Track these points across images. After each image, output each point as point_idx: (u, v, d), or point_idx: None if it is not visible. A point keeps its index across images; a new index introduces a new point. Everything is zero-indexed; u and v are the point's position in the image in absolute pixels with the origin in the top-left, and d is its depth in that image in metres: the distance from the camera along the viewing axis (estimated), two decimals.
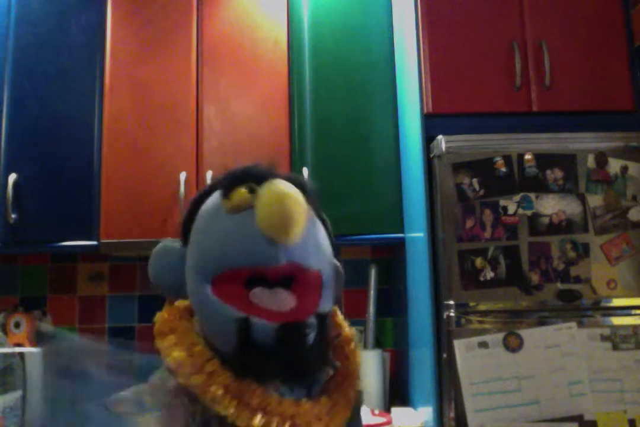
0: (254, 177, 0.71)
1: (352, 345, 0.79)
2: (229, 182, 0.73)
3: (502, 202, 1.58)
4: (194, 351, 0.67)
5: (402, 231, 1.92)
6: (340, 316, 0.81)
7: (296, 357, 0.67)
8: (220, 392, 0.63)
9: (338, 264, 0.84)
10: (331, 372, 0.74)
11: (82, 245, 1.89)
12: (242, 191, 0.70)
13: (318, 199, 0.77)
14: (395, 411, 1.80)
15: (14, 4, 2.00)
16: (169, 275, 0.74)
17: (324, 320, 0.71)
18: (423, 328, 1.67)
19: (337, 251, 0.86)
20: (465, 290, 1.55)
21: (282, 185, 0.68)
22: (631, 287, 1.56)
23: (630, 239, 1.57)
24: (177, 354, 0.66)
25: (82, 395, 0.73)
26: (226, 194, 0.72)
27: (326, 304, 0.73)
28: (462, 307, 1.54)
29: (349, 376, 0.75)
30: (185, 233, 0.75)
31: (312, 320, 0.69)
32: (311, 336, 0.68)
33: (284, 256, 0.67)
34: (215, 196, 0.74)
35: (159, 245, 0.76)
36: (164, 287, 0.75)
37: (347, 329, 0.80)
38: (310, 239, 0.73)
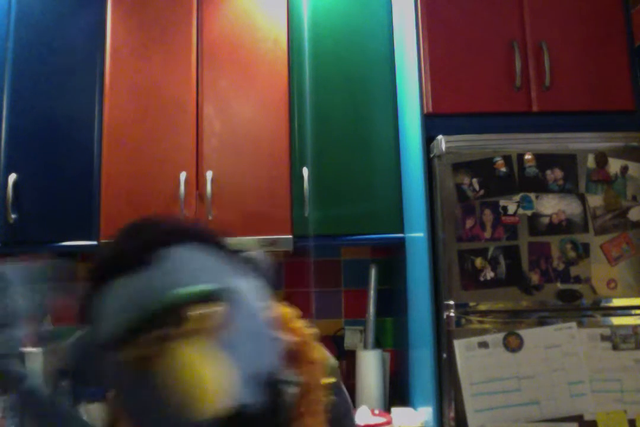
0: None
1: (311, 346, 0.74)
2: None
3: (502, 202, 1.58)
4: None
5: (402, 231, 1.92)
6: (294, 318, 0.75)
7: None
8: None
9: (262, 258, 0.73)
10: (294, 389, 0.69)
11: (82, 245, 1.89)
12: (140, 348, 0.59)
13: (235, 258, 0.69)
14: (395, 411, 1.80)
15: (14, 4, 2.00)
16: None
17: (272, 377, 0.66)
18: (423, 328, 1.67)
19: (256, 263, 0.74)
20: (465, 290, 1.55)
21: (184, 357, 0.57)
22: (631, 287, 1.56)
23: (630, 239, 1.57)
24: None
25: None
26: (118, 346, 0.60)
27: (272, 361, 0.67)
28: (462, 307, 1.54)
29: (314, 387, 0.71)
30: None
31: (247, 396, 0.62)
32: (254, 410, 0.63)
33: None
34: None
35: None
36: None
37: (304, 331, 0.75)
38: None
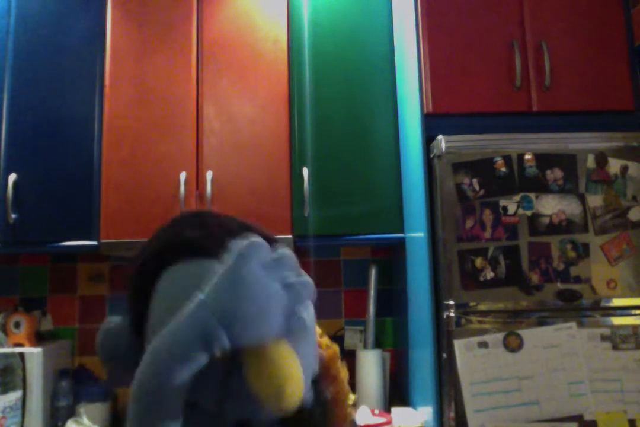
0: None
1: (338, 364, 0.74)
2: None
3: (502, 202, 1.58)
4: None
5: (402, 231, 1.92)
6: (321, 335, 0.76)
7: None
8: None
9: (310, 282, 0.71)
10: (324, 404, 0.69)
11: (82, 245, 1.89)
12: None
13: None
14: (395, 411, 1.80)
15: (14, 4, 2.00)
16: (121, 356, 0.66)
17: (317, 383, 0.66)
18: (423, 328, 1.67)
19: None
20: (465, 290, 1.55)
21: (275, 355, 0.57)
22: (631, 287, 1.56)
23: (630, 239, 1.57)
24: None
25: None
26: None
27: (315, 368, 0.66)
28: (462, 307, 1.54)
29: (339, 403, 0.72)
30: (138, 323, 0.63)
31: (307, 395, 0.63)
32: (309, 408, 0.64)
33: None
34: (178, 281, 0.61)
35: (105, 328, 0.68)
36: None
37: (331, 348, 0.76)
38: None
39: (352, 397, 0.77)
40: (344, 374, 0.75)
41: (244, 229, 0.66)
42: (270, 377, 0.56)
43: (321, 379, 0.71)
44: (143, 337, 0.61)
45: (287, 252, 0.60)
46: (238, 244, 0.58)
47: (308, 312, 0.64)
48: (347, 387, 0.74)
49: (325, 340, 0.76)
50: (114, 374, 0.70)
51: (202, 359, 0.53)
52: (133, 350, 0.62)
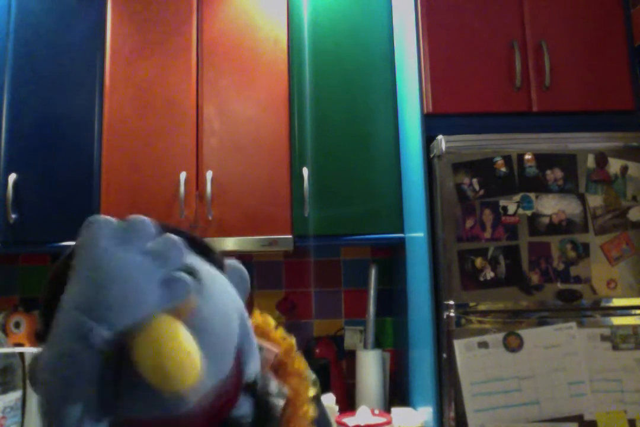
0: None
1: (293, 357, 0.71)
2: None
3: (502, 202, 1.58)
4: None
5: (402, 231, 1.92)
6: (273, 328, 0.72)
7: None
8: None
9: (242, 269, 0.68)
10: (282, 402, 0.66)
11: None
12: None
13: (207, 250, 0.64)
14: (395, 411, 1.80)
15: (14, 4, 2.00)
16: None
17: (255, 386, 0.63)
18: (423, 328, 1.67)
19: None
20: (465, 290, 1.55)
21: (157, 332, 0.52)
22: (631, 287, 1.56)
23: (630, 239, 1.57)
24: None
25: None
26: None
27: (251, 367, 0.62)
28: (462, 307, 1.54)
29: (300, 399, 0.68)
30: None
31: (242, 406, 0.60)
32: (249, 415, 0.61)
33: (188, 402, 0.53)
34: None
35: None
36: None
37: (284, 341, 0.72)
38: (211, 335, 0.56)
39: (313, 391, 0.73)
40: (302, 367, 0.71)
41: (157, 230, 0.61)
42: (153, 355, 0.51)
43: (276, 376, 0.68)
44: None
45: (136, 217, 0.54)
46: (81, 231, 0.53)
47: (214, 280, 0.58)
48: (307, 381, 0.71)
49: (280, 332, 0.72)
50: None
51: (83, 356, 0.50)
52: None
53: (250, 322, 0.65)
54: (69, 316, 0.51)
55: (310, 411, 0.69)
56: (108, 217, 0.53)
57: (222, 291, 0.60)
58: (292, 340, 0.73)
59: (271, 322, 0.72)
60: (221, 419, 0.58)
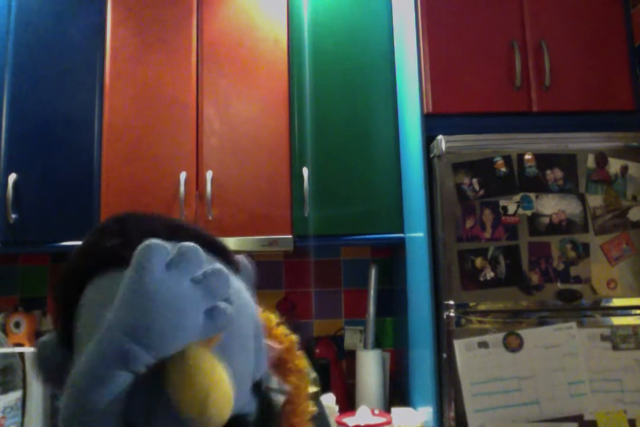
0: None
1: (295, 354, 0.71)
2: None
3: (502, 202, 1.58)
4: None
5: (402, 231, 1.92)
6: (275, 325, 0.73)
7: None
8: None
9: (246, 262, 0.70)
10: (282, 400, 0.67)
11: None
12: None
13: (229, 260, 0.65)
14: (395, 411, 1.80)
15: (14, 4, 2.00)
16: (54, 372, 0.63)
17: (261, 384, 0.64)
18: (423, 328, 1.67)
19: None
20: (465, 290, 1.55)
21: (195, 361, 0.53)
22: (631, 287, 1.56)
23: (630, 239, 1.57)
24: None
25: None
26: None
27: (260, 367, 0.63)
28: (462, 307, 1.54)
29: (300, 397, 0.69)
30: (65, 327, 0.61)
31: (251, 405, 0.61)
32: (253, 413, 0.61)
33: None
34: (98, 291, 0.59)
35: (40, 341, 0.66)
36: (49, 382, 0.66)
37: (286, 338, 0.72)
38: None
39: (314, 388, 0.73)
40: (303, 364, 0.72)
41: (169, 230, 0.63)
42: (191, 386, 0.52)
43: (277, 373, 0.69)
44: (73, 352, 0.59)
45: (188, 245, 0.55)
46: (135, 252, 0.53)
47: (239, 299, 0.60)
48: (307, 378, 0.72)
49: (282, 330, 0.72)
50: (51, 387, 0.67)
51: (121, 380, 0.51)
52: (67, 364, 0.59)
53: (261, 324, 0.65)
54: (114, 340, 0.50)
55: (310, 407, 0.69)
56: (162, 243, 0.53)
57: (245, 312, 0.61)
58: (294, 337, 0.73)
59: (273, 319, 0.72)
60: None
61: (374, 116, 1.99)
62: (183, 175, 1.89)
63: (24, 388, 1.76)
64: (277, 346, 0.70)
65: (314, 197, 1.91)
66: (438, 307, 1.58)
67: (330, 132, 1.97)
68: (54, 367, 0.63)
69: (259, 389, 0.63)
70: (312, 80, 1.99)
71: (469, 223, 1.57)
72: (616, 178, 1.59)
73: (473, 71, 1.75)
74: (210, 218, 1.87)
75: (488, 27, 1.78)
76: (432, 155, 1.67)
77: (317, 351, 2.06)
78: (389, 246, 2.20)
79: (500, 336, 1.51)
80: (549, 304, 1.54)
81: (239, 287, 0.63)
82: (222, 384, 0.53)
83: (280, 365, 0.70)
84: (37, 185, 1.91)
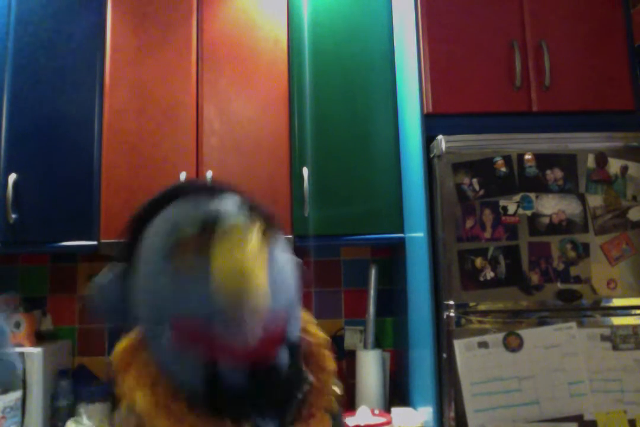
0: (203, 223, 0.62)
1: (325, 353, 0.73)
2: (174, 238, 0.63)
3: (502, 202, 1.58)
4: (157, 390, 0.62)
5: (402, 231, 1.92)
6: (310, 322, 0.75)
7: (271, 396, 0.63)
8: None
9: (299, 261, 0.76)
10: (306, 387, 0.69)
11: (81, 245, 1.89)
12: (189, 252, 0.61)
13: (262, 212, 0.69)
14: (395, 411, 1.80)
15: (14, 4, 2.00)
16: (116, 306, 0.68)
17: (295, 348, 0.66)
18: (423, 328, 1.67)
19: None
20: (465, 290, 1.55)
21: (234, 244, 0.58)
22: (631, 287, 1.56)
23: (630, 239, 1.57)
24: (140, 395, 0.61)
25: None
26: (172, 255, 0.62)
27: (294, 329, 0.67)
28: (462, 307, 1.54)
29: (323, 392, 0.71)
30: (130, 255, 0.67)
31: (283, 355, 0.64)
32: (284, 371, 0.64)
33: (252, 336, 0.58)
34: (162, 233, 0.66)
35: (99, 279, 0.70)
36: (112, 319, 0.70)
37: (319, 335, 0.75)
38: (275, 284, 0.63)
39: (337, 390, 0.74)
40: (331, 365, 0.73)
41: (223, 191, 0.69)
42: (231, 256, 0.57)
43: (307, 367, 0.70)
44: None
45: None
46: None
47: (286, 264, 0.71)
48: (333, 378, 0.73)
49: (315, 328, 0.75)
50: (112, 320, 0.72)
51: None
52: (124, 300, 0.65)
53: (299, 298, 0.70)
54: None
55: (330, 403, 0.71)
56: None
57: (289, 276, 0.70)
58: (326, 336, 0.75)
59: (308, 317, 0.75)
60: (267, 358, 0.62)
61: (374, 116, 1.99)
62: (183, 176, 1.89)
63: (24, 388, 1.76)
64: (309, 339, 0.72)
65: (314, 197, 1.91)
66: (438, 307, 1.58)
67: (330, 132, 1.97)
68: (112, 306, 0.68)
69: (292, 353, 0.66)
70: (312, 80, 1.99)
71: (469, 223, 1.57)
72: (616, 178, 1.59)
73: (473, 71, 1.75)
74: None
75: (488, 27, 1.78)
76: (432, 155, 1.67)
77: None
78: (389, 246, 2.20)
79: (500, 336, 1.51)
80: (549, 304, 1.55)
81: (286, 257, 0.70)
82: (259, 273, 0.57)
83: (310, 360, 0.71)
84: (37, 185, 1.91)
